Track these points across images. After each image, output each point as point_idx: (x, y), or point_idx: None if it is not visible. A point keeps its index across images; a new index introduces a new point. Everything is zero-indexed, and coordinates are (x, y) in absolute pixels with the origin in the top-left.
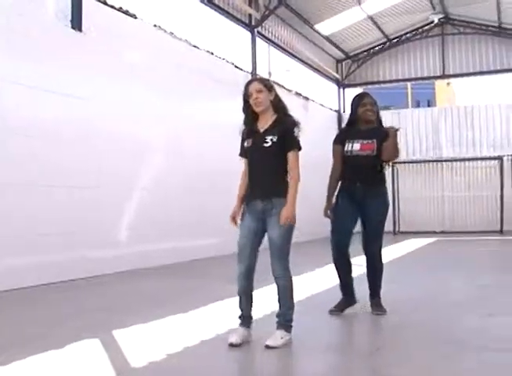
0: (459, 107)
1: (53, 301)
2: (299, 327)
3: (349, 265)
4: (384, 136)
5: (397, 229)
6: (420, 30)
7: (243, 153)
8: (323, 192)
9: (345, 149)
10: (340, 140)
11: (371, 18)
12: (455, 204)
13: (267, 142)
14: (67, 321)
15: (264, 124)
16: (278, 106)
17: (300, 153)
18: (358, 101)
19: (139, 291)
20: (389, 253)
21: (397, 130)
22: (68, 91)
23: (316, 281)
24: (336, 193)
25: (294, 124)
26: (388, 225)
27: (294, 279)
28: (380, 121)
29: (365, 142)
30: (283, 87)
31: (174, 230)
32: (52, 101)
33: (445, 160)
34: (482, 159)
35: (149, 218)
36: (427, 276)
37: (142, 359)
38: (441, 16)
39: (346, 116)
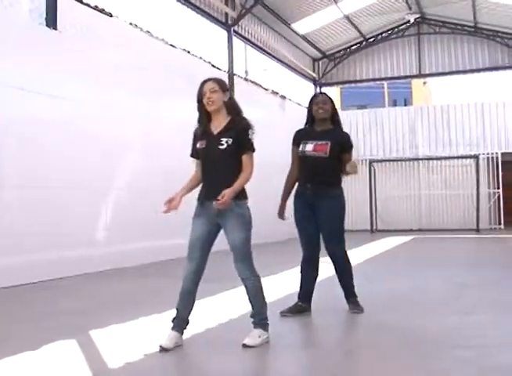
0: (436, 106)
1: (29, 302)
2: (276, 327)
3: (314, 270)
4: (341, 138)
5: (374, 227)
6: (396, 29)
7: (195, 154)
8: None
9: (299, 149)
10: (296, 141)
11: (347, 17)
12: (431, 202)
13: (222, 145)
14: (42, 321)
15: (217, 125)
16: (232, 107)
17: (274, 151)
18: (311, 100)
19: (116, 291)
20: (366, 251)
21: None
22: (44, 89)
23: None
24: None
25: (248, 126)
26: (365, 224)
27: (272, 278)
28: (337, 122)
29: (319, 143)
30: (260, 86)
31: (152, 230)
32: (28, 100)
33: (422, 159)
34: (458, 158)
35: (127, 217)
36: (403, 275)
37: (119, 360)
38: (417, 15)
39: None
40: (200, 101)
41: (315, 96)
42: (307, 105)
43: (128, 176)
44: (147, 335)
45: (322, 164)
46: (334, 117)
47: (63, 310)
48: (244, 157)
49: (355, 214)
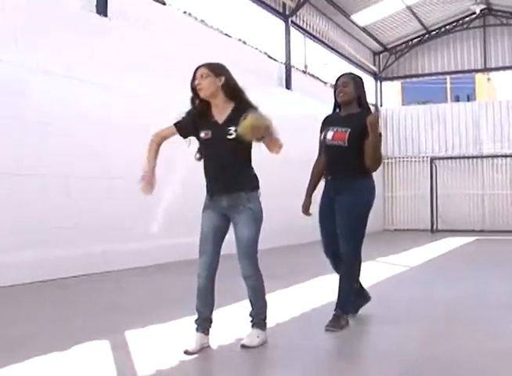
0: (501, 102)
1: (63, 297)
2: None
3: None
4: (362, 125)
5: (434, 227)
6: (461, 21)
7: (182, 127)
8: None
9: (321, 137)
10: (321, 128)
11: (410, 8)
12: (495, 202)
13: (231, 134)
14: (77, 319)
15: (220, 113)
16: (233, 92)
17: None
18: (335, 83)
19: (160, 287)
20: (426, 252)
21: (376, 117)
22: (92, 78)
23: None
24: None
25: (254, 108)
26: (426, 223)
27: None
28: (364, 104)
29: (339, 130)
30: (318, 79)
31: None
32: (77, 88)
33: (486, 157)
34: None
35: (176, 212)
36: (466, 278)
37: (151, 366)
38: (483, 6)
39: (384, 110)
40: (193, 88)
41: (337, 79)
42: (367, 100)
43: (181, 170)
44: (184, 338)
45: (342, 155)
46: (361, 100)
47: (101, 306)
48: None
49: (415, 212)
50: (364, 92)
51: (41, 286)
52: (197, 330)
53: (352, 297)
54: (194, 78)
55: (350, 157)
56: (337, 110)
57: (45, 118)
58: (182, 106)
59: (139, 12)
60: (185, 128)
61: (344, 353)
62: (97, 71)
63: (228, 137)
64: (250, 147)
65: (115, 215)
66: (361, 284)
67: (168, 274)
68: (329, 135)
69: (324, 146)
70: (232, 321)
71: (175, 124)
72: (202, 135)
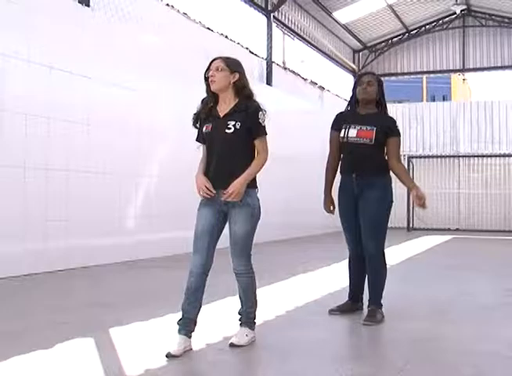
0: (479, 102)
1: (49, 292)
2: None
3: (362, 267)
4: (387, 125)
5: (410, 225)
6: (441, 21)
7: (202, 138)
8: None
9: (341, 135)
10: (337, 125)
11: (391, 7)
12: (471, 201)
13: (229, 129)
14: (61, 315)
15: (224, 108)
16: (241, 90)
17: (311, 142)
18: (357, 80)
19: (144, 283)
20: (403, 250)
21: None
22: (72, 68)
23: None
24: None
25: (259, 108)
26: (402, 222)
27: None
28: (383, 106)
29: (363, 128)
30: (298, 76)
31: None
32: (57, 78)
33: (463, 156)
34: (501, 156)
35: (159, 207)
36: (445, 277)
37: (139, 364)
38: (463, 7)
39: None
40: (206, 79)
41: (359, 76)
42: (346, 97)
43: (156, 163)
44: (170, 336)
45: (368, 152)
46: (380, 101)
47: (84, 303)
48: (257, 143)
49: (392, 210)
50: (384, 93)
51: (21, 280)
52: (180, 331)
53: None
54: (209, 69)
55: (375, 154)
56: (349, 108)
57: (24, 108)
58: (165, 97)
59: (121, 3)
60: (203, 139)
61: (332, 353)
62: (79, 62)
63: (227, 131)
64: (250, 143)
65: (95, 208)
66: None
67: (151, 270)
68: (352, 132)
69: (345, 144)
70: (220, 319)
71: (197, 140)
72: (204, 128)
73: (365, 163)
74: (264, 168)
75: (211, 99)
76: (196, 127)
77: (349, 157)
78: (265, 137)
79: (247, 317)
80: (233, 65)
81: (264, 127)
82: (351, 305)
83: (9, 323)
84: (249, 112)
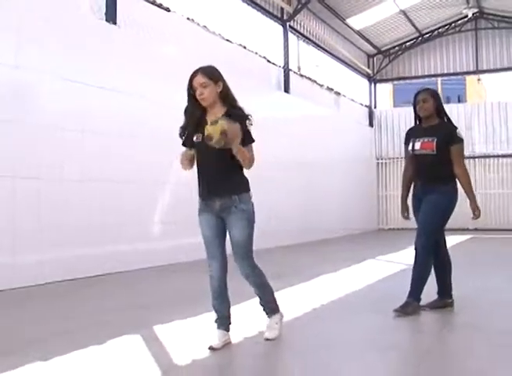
0: (493, 103)
1: (88, 295)
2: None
3: (436, 262)
4: (447, 134)
5: None
6: (453, 24)
7: (189, 144)
8: (362, 186)
9: (409, 148)
10: (406, 140)
11: (404, 12)
12: (487, 201)
13: None
14: (104, 316)
15: (213, 118)
16: (226, 98)
17: (328, 147)
18: (414, 99)
19: (174, 286)
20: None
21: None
22: (102, 83)
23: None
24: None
25: (245, 116)
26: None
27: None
28: (443, 116)
29: (425, 140)
30: (314, 82)
31: None
32: (86, 93)
33: (478, 157)
34: None
35: (181, 213)
36: (471, 274)
37: (186, 356)
38: (475, 10)
39: (377, 112)
40: (190, 94)
41: (416, 95)
42: (362, 101)
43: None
44: (209, 332)
45: (432, 162)
46: (439, 112)
47: (124, 305)
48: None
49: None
50: (441, 103)
51: (61, 285)
52: (219, 327)
53: (423, 286)
54: (191, 86)
55: (438, 163)
56: (417, 122)
57: (55, 121)
58: (184, 106)
59: (145, 19)
60: (190, 144)
61: (355, 345)
62: (107, 76)
63: None
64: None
65: (126, 216)
66: (449, 284)
67: (180, 274)
68: (417, 145)
69: (413, 156)
70: (253, 315)
71: (183, 145)
72: (194, 138)
73: (429, 172)
74: (283, 175)
75: (198, 109)
76: (182, 139)
77: (417, 167)
78: (251, 144)
79: (269, 306)
80: (214, 75)
81: (250, 135)
82: (438, 301)
83: (59, 324)
84: (235, 121)
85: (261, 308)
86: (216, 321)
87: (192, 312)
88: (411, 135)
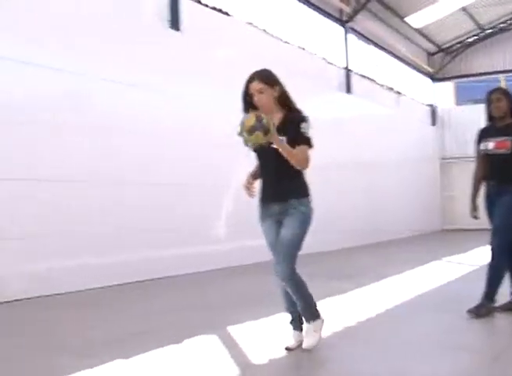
0: None
1: (157, 298)
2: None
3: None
4: None
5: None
6: None
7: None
8: (425, 186)
9: (481, 147)
10: (478, 140)
11: (464, 9)
12: None
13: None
14: (178, 317)
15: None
16: (284, 101)
17: (389, 147)
18: (486, 98)
19: (239, 288)
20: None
21: None
22: (167, 89)
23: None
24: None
25: (301, 119)
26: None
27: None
28: None
29: (499, 139)
30: (375, 82)
31: None
32: (151, 99)
33: None
34: None
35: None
36: None
37: (262, 355)
38: None
39: (439, 110)
40: (246, 99)
41: (488, 93)
42: (423, 100)
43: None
44: (281, 333)
45: (505, 161)
46: None
47: (192, 306)
48: (298, 148)
49: None
50: None
51: (119, 289)
52: (295, 328)
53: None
54: (248, 90)
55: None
56: (489, 122)
57: (128, 127)
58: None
59: (206, 24)
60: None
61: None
62: (171, 81)
63: (273, 146)
64: None
65: (184, 220)
66: None
67: (244, 276)
68: (491, 145)
69: (485, 156)
70: (326, 317)
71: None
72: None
73: (503, 172)
74: (346, 175)
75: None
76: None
77: (490, 166)
78: (306, 147)
79: (308, 312)
80: (270, 79)
81: (307, 138)
82: (509, 304)
83: (134, 326)
84: (293, 124)
85: (300, 313)
86: (291, 323)
87: (263, 313)
88: (483, 135)
